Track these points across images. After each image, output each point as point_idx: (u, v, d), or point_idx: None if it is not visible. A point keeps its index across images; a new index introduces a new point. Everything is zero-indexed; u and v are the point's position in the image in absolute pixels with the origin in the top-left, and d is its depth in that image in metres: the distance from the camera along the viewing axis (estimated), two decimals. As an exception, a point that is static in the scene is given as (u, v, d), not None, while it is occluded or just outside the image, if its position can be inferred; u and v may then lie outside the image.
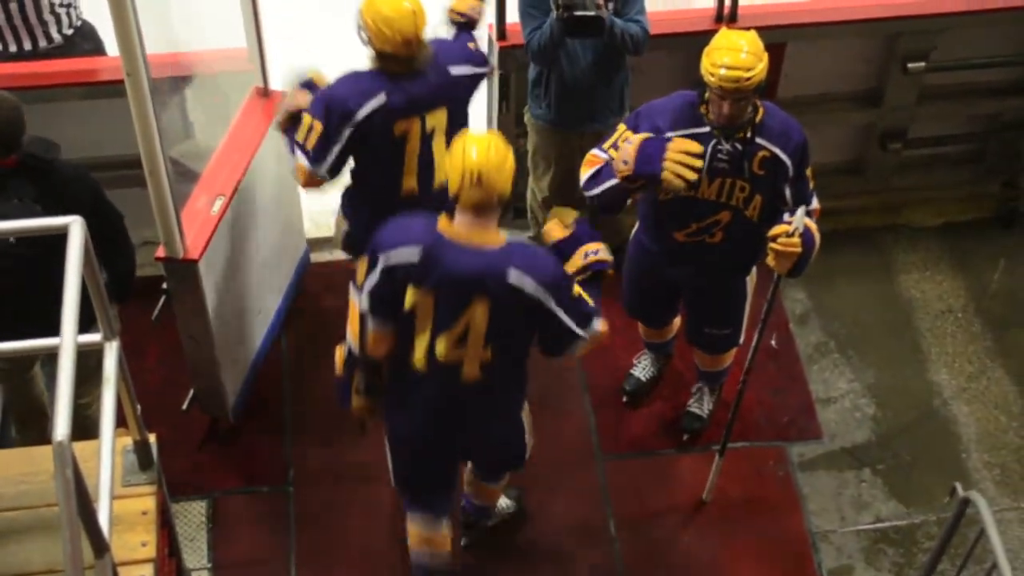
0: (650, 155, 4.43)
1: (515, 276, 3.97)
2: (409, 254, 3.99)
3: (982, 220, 6.52)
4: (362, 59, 5.27)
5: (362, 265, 4.14)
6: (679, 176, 4.39)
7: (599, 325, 4.18)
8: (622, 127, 4.64)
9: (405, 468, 4.55)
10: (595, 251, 4.30)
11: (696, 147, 4.42)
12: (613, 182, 4.55)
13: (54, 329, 2.99)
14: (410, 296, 4.02)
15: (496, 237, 4.03)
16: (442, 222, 4.02)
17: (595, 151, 4.68)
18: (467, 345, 4.07)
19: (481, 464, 4.78)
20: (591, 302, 4.16)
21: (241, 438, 5.51)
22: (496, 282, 3.97)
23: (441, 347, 4.08)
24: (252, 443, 5.52)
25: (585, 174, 4.66)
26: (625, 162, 4.47)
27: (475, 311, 4.01)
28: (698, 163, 4.41)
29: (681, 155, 4.40)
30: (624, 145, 4.50)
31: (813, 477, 5.53)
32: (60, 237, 3.57)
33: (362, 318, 4.16)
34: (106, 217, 4.58)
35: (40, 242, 3.77)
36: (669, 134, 4.51)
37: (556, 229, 4.36)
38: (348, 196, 5.07)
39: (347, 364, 4.37)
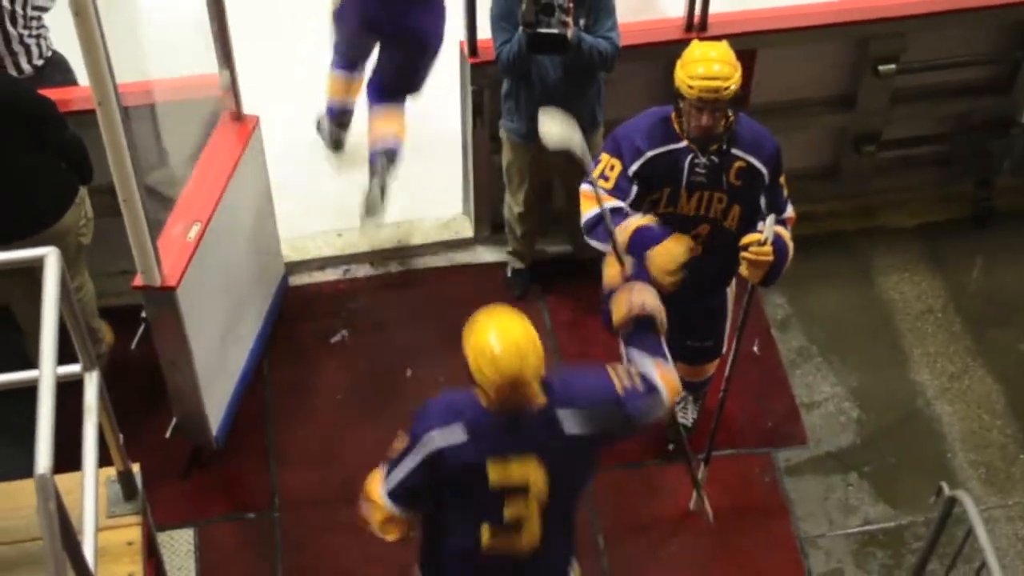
0: (639, 259, 4.33)
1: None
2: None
3: (958, 220, 6.54)
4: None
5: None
6: (667, 277, 4.37)
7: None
8: (605, 156, 4.63)
9: None
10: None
11: (673, 265, 4.36)
12: (610, 248, 4.54)
13: None
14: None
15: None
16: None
17: (586, 186, 4.61)
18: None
19: None
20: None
21: (226, 465, 5.49)
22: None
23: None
24: (237, 469, 5.50)
25: (585, 214, 4.59)
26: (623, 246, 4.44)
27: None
28: (677, 277, 4.38)
29: (663, 269, 4.35)
30: (619, 230, 4.37)
31: (800, 482, 5.54)
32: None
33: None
34: (39, 109, 4.87)
35: None
36: (649, 153, 4.53)
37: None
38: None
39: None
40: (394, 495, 3.79)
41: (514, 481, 3.70)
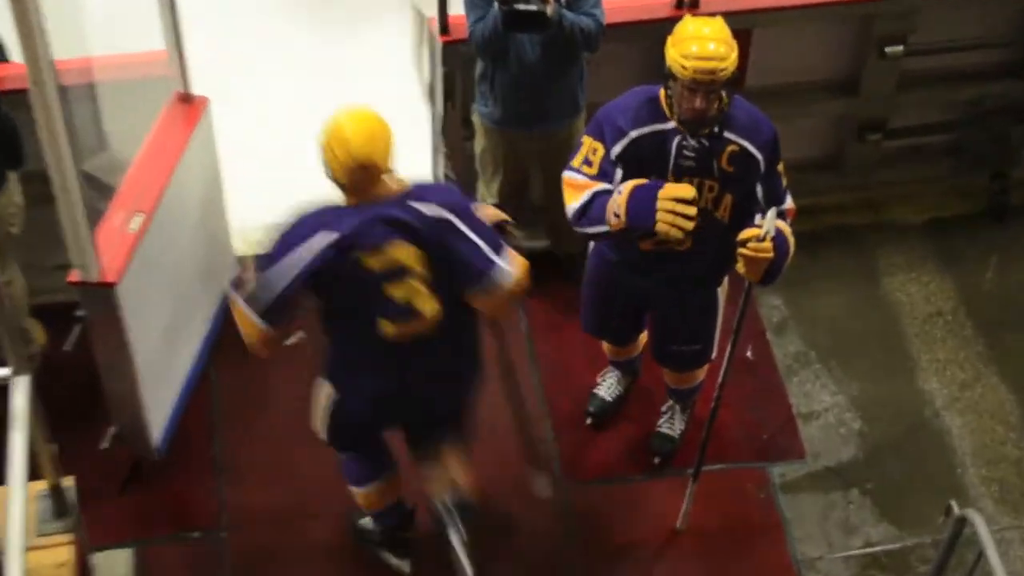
0: (641, 208, 4.40)
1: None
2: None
3: (970, 215, 6.56)
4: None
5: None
6: (675, 227, 4.38)
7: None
8: (588, 140, 4.62)
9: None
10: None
11: (687, 192, 4.40)
12: (605, 228, 4.54)
13: None
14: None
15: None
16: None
17: (569, 173, 4.62)
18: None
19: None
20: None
21: (168, 478, 5.46)
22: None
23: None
24: (181, 484, 5.47)
25: (571, 204, 4.61)
26: (616, 215, 4.46)
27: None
28: (691, 210, 4.38)
29: (672, 204, 4.38)
30: (615, 197, 4.45)
31: (797, 500, 5.55)
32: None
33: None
34: None
35: None
36: (633, 133, 4.52)
37: None
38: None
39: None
40: (269, 313, 4.22)
41: (391, 265, 4.22)
